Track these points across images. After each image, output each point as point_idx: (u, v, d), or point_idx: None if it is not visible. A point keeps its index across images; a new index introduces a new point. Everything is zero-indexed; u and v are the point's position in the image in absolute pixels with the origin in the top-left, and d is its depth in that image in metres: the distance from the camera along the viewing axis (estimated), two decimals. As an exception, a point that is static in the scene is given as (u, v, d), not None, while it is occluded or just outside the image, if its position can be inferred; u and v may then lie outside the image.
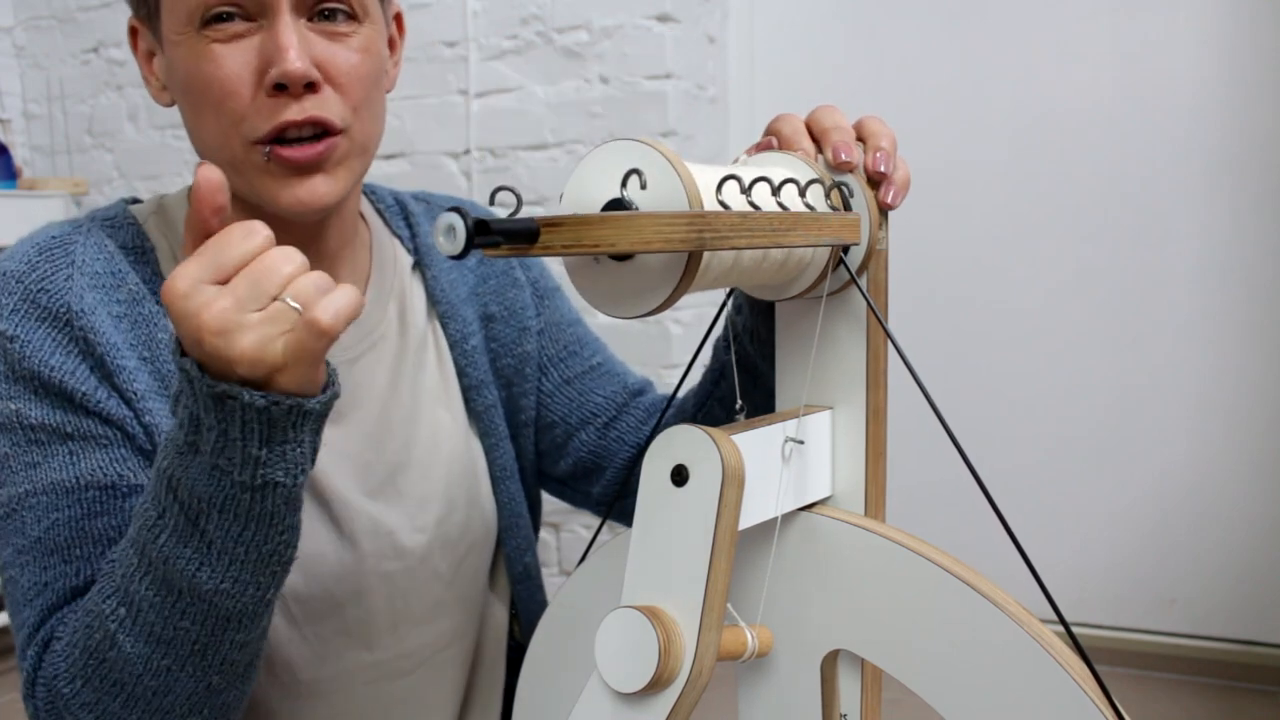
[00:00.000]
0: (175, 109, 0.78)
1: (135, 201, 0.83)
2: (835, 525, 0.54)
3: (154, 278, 0.77)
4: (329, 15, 0.72)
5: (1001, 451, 2.17)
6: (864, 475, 0.58)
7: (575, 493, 0.96)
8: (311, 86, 0.71)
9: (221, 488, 0.59)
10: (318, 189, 0.73)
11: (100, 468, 0.72)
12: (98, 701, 0.65)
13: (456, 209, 0.42)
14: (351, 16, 0.74)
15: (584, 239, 0.44)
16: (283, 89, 0.70)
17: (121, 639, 0.64)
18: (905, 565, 0.52)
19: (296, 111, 0.70)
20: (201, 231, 0.57)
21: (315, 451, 0.62)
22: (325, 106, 0.71)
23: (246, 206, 0.76)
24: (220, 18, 0.70)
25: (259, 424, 0.58)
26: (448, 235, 0.43)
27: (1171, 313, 2.07)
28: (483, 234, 0.42)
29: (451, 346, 0.89)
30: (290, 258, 0.57)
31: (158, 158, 2.68)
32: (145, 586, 0.62)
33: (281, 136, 0.71)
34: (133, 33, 0.79)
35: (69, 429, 0.71)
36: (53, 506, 0.70)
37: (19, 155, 2.78)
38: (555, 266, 0.99)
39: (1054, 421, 2.16)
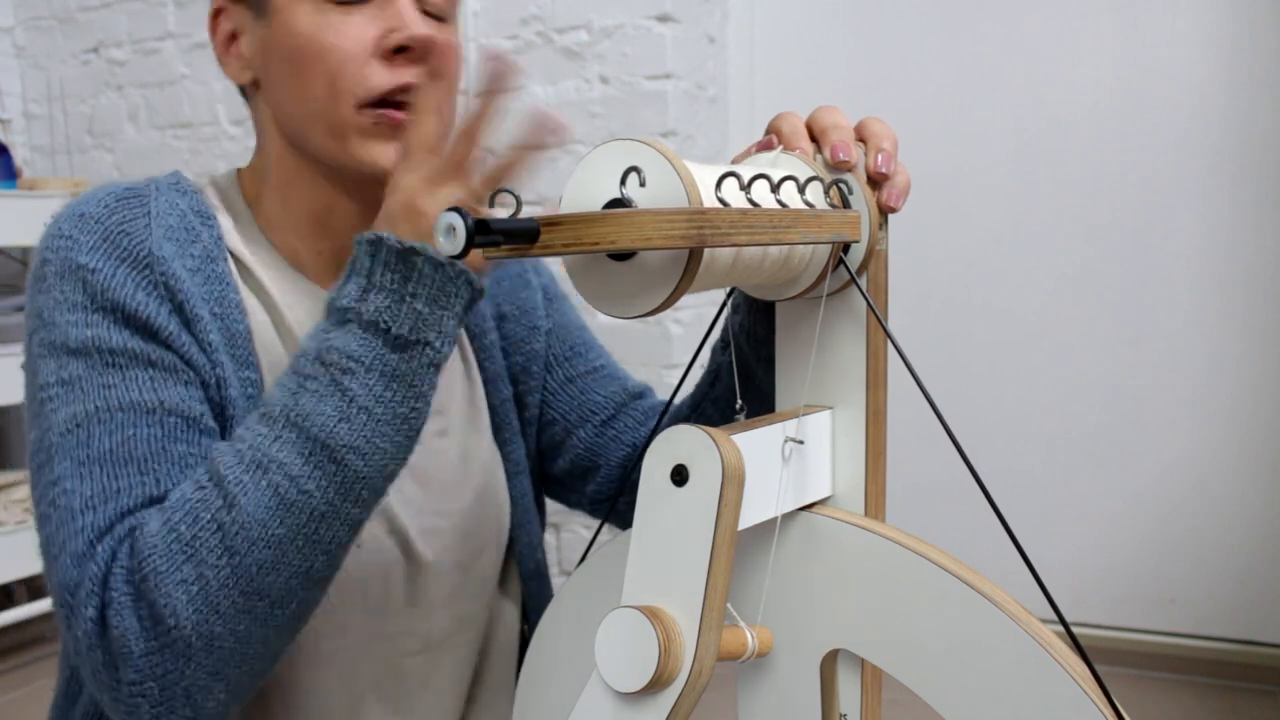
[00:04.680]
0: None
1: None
2: (835, 525, 0.54)
3: (220, 241, 0.79)
4: (431, 9, 0.78)
5: (1001, 451, 2.17)
6: (864, 475, 0.58)
7: (570, 492, 0.97)
8: (424, 56, 0.76)
9: (373, 346, 0.65)
10: None
11: (183, 399, 0.71)
12: (199, 576, 0.64)
13: (456, 209, 0.43)
14: (447, 15, 0.80)
15: (584, 237, 0.44)
16: (402, 52, 0.75)
17: (243, 501, 0.64)
18: (905, 565, 0.52)
19: (414, 75, 0.75)
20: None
21: (456, 334, 0.69)
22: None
23: (325, 171, 0.80)
24: None
25: (433, 282, 0.66)
26: (448, 235, 0.43)
27: (1171, 313, 2.07)
28: (483, 233, 0.42)
29: (471, 339, 0.91)
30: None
31: (158, 158, 2.68)
32: (278, 449, 0.65)
33: (391, 100, 0.75)
34: (215, 15, 0.82)
35: (153, 356, 0.71)
36: (129, 423, 0.69)
37: (19, 155, 2.78)
38: (565, 278, 1.02)
39: (1054, 421, 2.16)
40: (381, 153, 0.76)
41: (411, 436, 0.68)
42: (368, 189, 0.80)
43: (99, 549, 0.66)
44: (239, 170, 0.86)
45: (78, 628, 0.65)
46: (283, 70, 0.78)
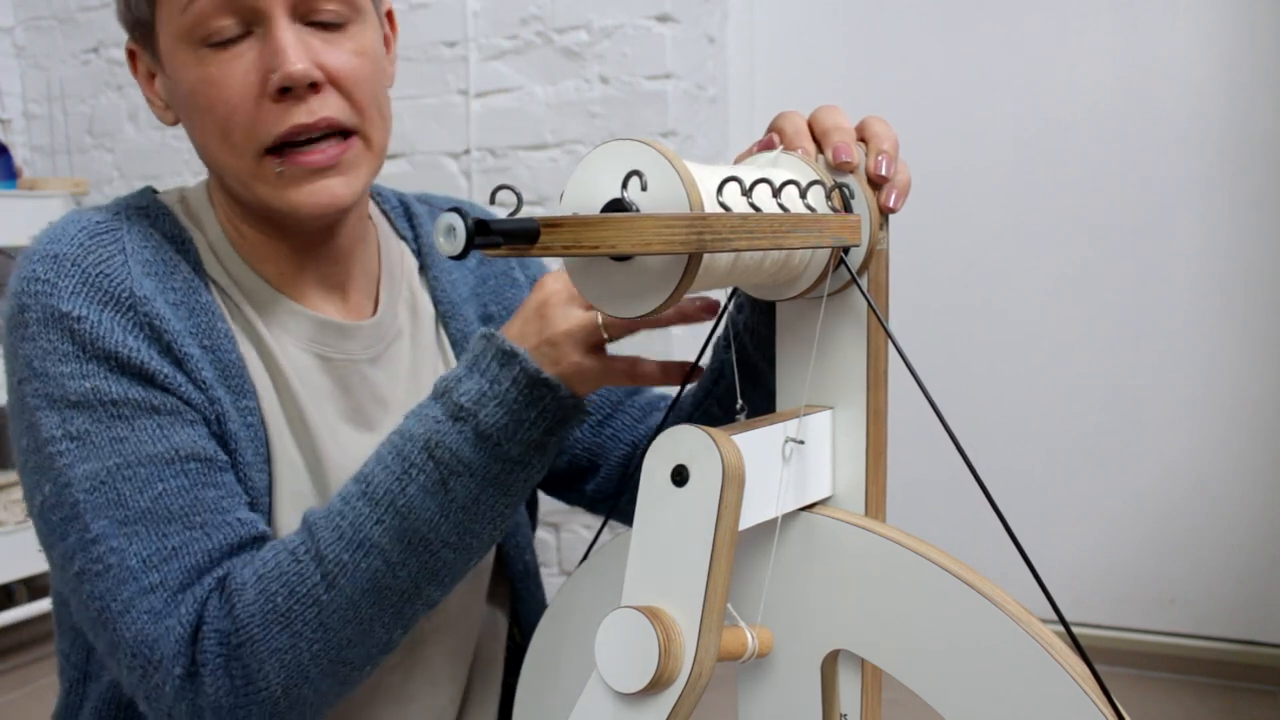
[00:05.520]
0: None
1: (154, 192, 0.82)
2: (835, 525, 0.54)
3: (199, 266, 0.77)
4: (324, 18, 0.73)
5: (1001, 451, 2.16)
6: (864, 475, 0.58)
7: (570, 491, 0.96)
8: (315, 87, 0.72)
9: (483, 457, 0.67)
10: (335, 191, 0.74)
11: (194, 441, 0.71)
12: (291, 647, 0.67)
13: (456, 209, 0.43)
14: (346, 18, 0.74)
15: (584, 240, 0.44)
16: (287, 92, 0.71)
17: (343, 582, 0.67)
18: (905, 565, 0.52)
19: (305, 114, 0.71)
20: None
21: (555, 454, 0.71)
22: (332, 106, 0.72)
23: (255, 211, 0.77)
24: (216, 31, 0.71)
25: (553, 415, 0.68)
26: (448, 235, 0.43)
27: (1171, 313, 2.07)
28: (483, 234, 0.42)
29: (453, 345, 0.90)
30: None
31: (158, 158, 2.68)
32: (380, 534, 0.67)
33: (292, 140, 0.72)
34: (131, 56, 0.80)
35: (155, 402, 0.70)
36: (155, 477, 0.69)
37: (19, 155, 2.78)
38: (555, 267, 1.00)
39: (1054, 421, 2.16)
40: (297, 198, 0.73)
41: (497, 534, 0.71)
42: (300, 226, 0.78)
43: (180, 607, 0.67)
44: (208, 182, 0.83)
45: (160, 680, 0.67)
46: (185, 118, 0.76)
